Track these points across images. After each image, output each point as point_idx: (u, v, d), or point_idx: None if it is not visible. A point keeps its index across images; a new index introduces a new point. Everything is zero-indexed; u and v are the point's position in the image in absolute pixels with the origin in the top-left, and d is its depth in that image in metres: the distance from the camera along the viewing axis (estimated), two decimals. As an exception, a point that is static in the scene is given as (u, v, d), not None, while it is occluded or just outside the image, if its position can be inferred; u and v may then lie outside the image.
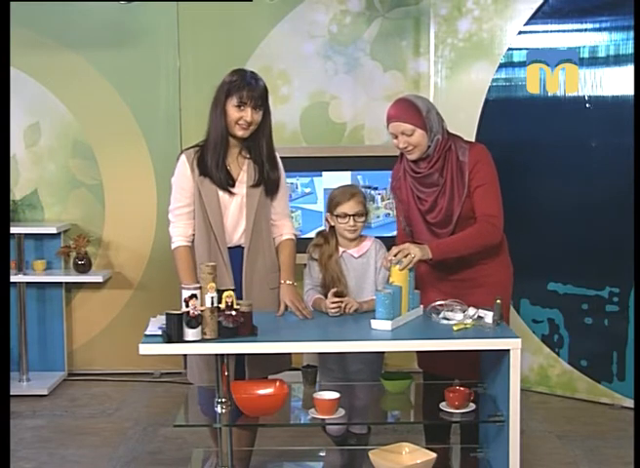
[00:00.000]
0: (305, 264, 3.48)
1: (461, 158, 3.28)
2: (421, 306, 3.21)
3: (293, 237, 3.40)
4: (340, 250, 3.40)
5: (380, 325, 2.96)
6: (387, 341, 2.93)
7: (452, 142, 3.31)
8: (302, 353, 3.58)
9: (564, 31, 4.60)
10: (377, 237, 3.49)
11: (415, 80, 5.09)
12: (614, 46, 4.45)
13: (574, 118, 4.57)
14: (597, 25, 4.49)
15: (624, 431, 4.14)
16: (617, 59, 4.44)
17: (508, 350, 2.83)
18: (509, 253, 3.45)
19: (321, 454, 3.68)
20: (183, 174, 3.26)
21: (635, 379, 3.96)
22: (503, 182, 3.37)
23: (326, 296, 3.25)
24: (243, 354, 3.13)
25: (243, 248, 3.27)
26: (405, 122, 3.24)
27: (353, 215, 3.34)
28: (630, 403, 4.47)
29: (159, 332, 2.88)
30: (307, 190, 4.78)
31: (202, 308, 2.79)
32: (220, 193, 3.24)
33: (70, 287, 5.16)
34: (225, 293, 2.84)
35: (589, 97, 4.53)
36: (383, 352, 3.44)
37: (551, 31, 4.63)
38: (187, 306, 2.77)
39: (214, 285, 2.81)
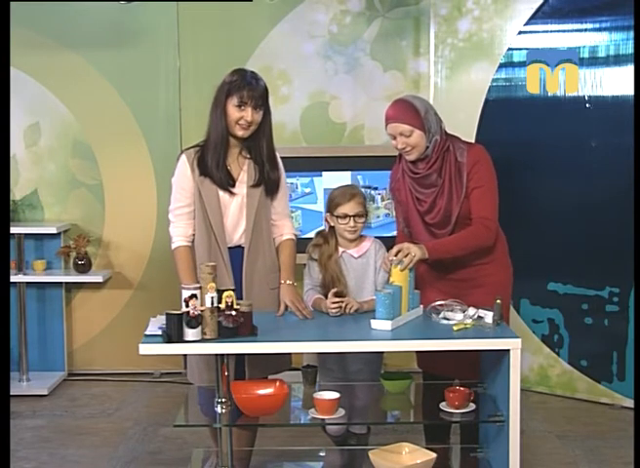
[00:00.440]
0: (305, 264, 3.48)
1: (460, 159, 3.28)
2: (421, 306, 3.21)
3: (293, 237, 3.40)
4: (340, 250, 3.40)
5: (379, 325, 2.96)
6: (387, 341, 2.93)
7: (450, 143, 3.31)
8: (302, 353, 3.58)
9: (564, 31, 4.60)
10: (376, 237, 3.49)
11: (415, 80, 5.09)
12: (614, 46, 4.45)
13: (574, 118, 4.57)
14: (597, 25, 4.49)
15: (624, 431, 4.14)
16: (617, 59, 4.44)
17: (508, 350, 2.83)
18: (509, 253, 3.45)
19: (321, 454, 3.68)
20: (184, 174, 3.26)
21: (635, 379, 3.96)
22: (503, 182, 3.37)
23: (326, 296, 3.25)
24: (243, 354, 3.13)
25: (243, 248, 3.27)
26: (403, 123, 3.24)
27: (353, 216, 3.33)
28: (630, 403, 4.47)
29: (159, 332, 2.88)
30: (307, 190, 4.78)
31: (202, 308, 2.79)
32: (221, 193, 3.24)
33: (70, 287, 5.16)
34: (225, 293, 2.84)
35: (589, 97, 4.53)
36: (383, 352, 3.44)
37: (551, 31, 4.63)
38: (187, 306, 2.77)
39: (214, 285, 2.81)
